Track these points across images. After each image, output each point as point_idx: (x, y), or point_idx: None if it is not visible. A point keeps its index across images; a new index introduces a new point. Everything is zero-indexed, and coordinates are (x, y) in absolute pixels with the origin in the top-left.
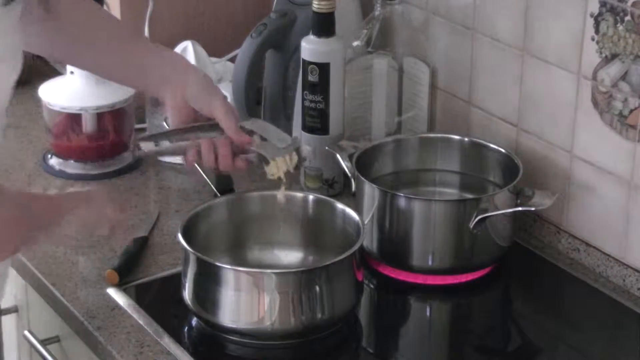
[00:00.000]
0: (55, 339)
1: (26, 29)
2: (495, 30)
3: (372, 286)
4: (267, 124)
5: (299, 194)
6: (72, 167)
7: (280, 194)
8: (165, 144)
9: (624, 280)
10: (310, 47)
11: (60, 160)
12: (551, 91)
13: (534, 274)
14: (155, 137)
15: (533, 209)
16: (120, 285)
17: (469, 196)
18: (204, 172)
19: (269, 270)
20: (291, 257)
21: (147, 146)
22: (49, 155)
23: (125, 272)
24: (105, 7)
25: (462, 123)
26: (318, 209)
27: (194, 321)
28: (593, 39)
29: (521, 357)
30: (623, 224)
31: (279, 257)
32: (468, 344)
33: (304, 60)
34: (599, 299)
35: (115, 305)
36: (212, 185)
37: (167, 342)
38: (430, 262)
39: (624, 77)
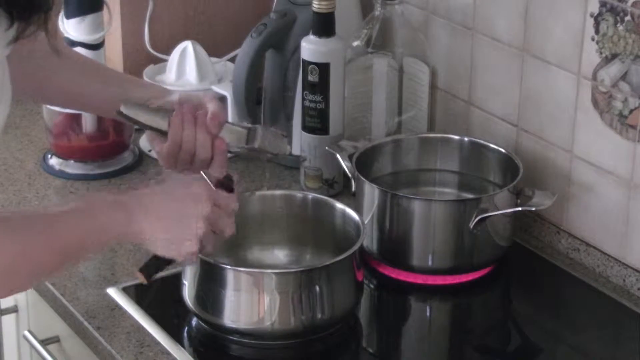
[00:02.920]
0: (55, 339)
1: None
2: (495, 30)
3: (372, 286)
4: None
5: (299, 194)
6: (72, 167)
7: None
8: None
9: (624, 280)
10: (310, 47)
11: (60, 160)
12: (551, 91)
13: (534, 274)
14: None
15: (533, 209)
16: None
17: (469, 196)
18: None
19: (269, 270)
20: (291, 257)
21: (127, 109)
22: (49, 155)
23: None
24: (105, 7)
25: (462, 123)
26: (318, 209)
27: (194, 321)
28: (593, 39)
29: (521, 357)
30: (623, 224)
31: (279, 257)
32: (468, 344)
33: (304, 60)
34: (599, 299)
35: (115, 305)
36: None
37: (167, 342)
38: (430, 262)
39: (624, 77)
